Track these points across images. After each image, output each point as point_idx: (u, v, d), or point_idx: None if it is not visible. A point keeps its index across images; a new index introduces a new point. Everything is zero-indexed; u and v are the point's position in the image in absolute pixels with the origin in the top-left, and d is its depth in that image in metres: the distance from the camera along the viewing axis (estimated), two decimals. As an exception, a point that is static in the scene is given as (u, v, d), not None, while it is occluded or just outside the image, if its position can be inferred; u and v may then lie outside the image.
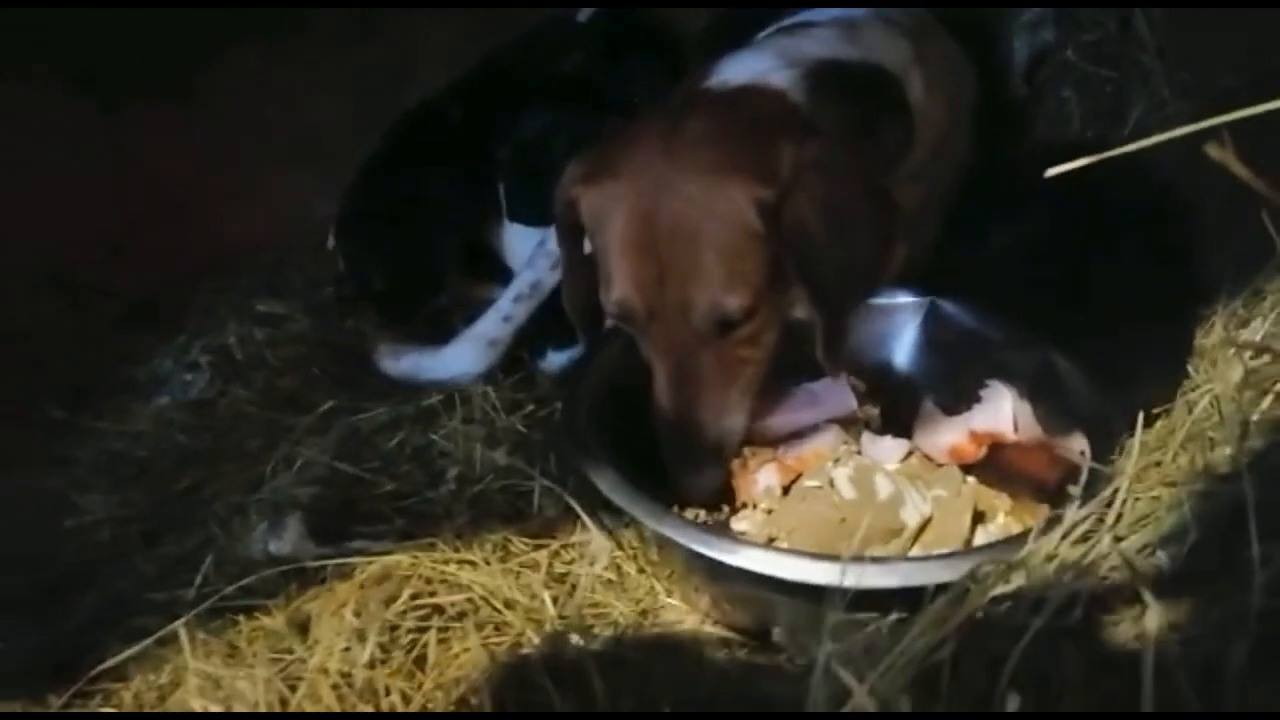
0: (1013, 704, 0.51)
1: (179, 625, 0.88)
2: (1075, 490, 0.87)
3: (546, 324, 1.44)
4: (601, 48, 1.61)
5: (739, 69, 1.11)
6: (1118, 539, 0.69)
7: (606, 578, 1.02)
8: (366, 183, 1.68)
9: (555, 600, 0.96)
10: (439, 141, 1.59)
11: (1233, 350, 0.84)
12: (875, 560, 0.86)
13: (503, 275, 1.61)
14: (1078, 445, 0.99)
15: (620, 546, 1.06)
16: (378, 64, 2.05)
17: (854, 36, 1.15)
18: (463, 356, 1.39)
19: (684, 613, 1.00)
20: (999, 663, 0.56)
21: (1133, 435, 0.88)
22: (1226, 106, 0.96)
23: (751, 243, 0.94)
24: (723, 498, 1.06)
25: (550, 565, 1.01)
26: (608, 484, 0.94)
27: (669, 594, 1.02)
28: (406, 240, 1.56)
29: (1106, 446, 0.93)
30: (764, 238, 0.94)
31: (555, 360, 1.42)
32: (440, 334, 1.52)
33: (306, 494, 1.08)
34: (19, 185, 1.76)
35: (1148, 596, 0.52)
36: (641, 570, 1.04)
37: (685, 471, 1.00)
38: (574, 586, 1.00)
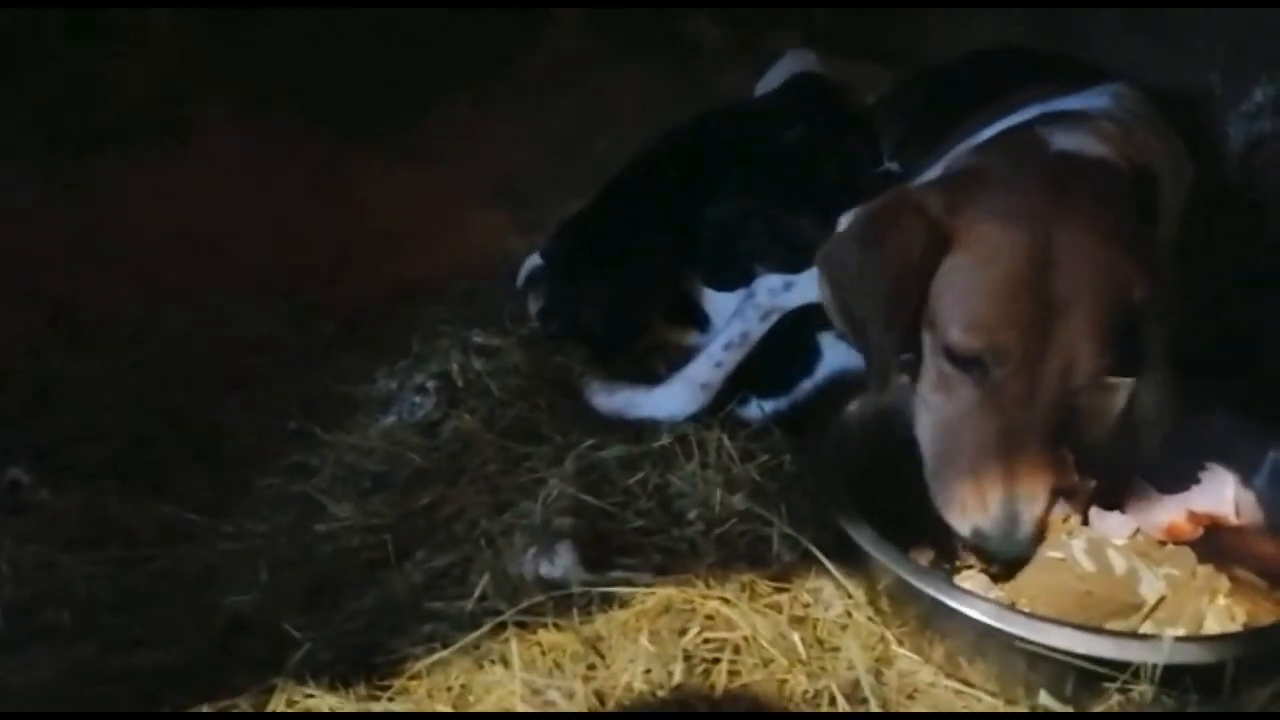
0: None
1: (477, 638, 0.98)
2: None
3: (753, 376, 1.54)
4: (818, 119, 1.71)
5: (1077, 141, 1.16)
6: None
7: (841, 623, 1.10)
8: (580, 227, 1.81)
9: (802, 640, 1.05)
10: (654, 196, 1.71)
11: None
12: (1191, 639, 0.93)
13: (702, 323, 1.73)
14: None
15: (849, 595, 1.14)
16: (574, 113, 2.20)
17: (1128, 136, 1.20)
18: (676, 397, 1.50)
19: (918, 663, 1.07)
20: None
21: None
22: None
23: (1123, 320, 1.00)
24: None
25: (790, 608, 1.10)
26: (864, 536, 1.03)
27: (900, 643, 1.09)
28: (618, 286, 1.68)
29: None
30: (1130, 317, 1.00)
31: (760, 410, 1.51)
32: (644, 374, 1.65)
33: (564, 523, 1.19)
34: (252, 209, 1.96)
35: None
36: (871, 619, 1.12)
37: (1010, 537, 1.02)
38: (814, 627, 1.09)
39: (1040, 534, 1.04)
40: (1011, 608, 0.99)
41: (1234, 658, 0.79)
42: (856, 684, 0.97)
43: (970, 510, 1.04)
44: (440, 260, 2.09)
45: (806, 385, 1.48)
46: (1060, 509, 1.14)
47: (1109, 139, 1.17)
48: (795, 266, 1.55)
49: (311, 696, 1.00)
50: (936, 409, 1.10)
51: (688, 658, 0.94)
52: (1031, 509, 1.02)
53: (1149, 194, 1.18)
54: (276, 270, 1.97)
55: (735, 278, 1.64)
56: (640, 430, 1.43)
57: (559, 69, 2.13)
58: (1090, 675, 0.88)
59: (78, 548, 1.35)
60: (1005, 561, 1.05)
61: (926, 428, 1.12)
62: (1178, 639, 0.87)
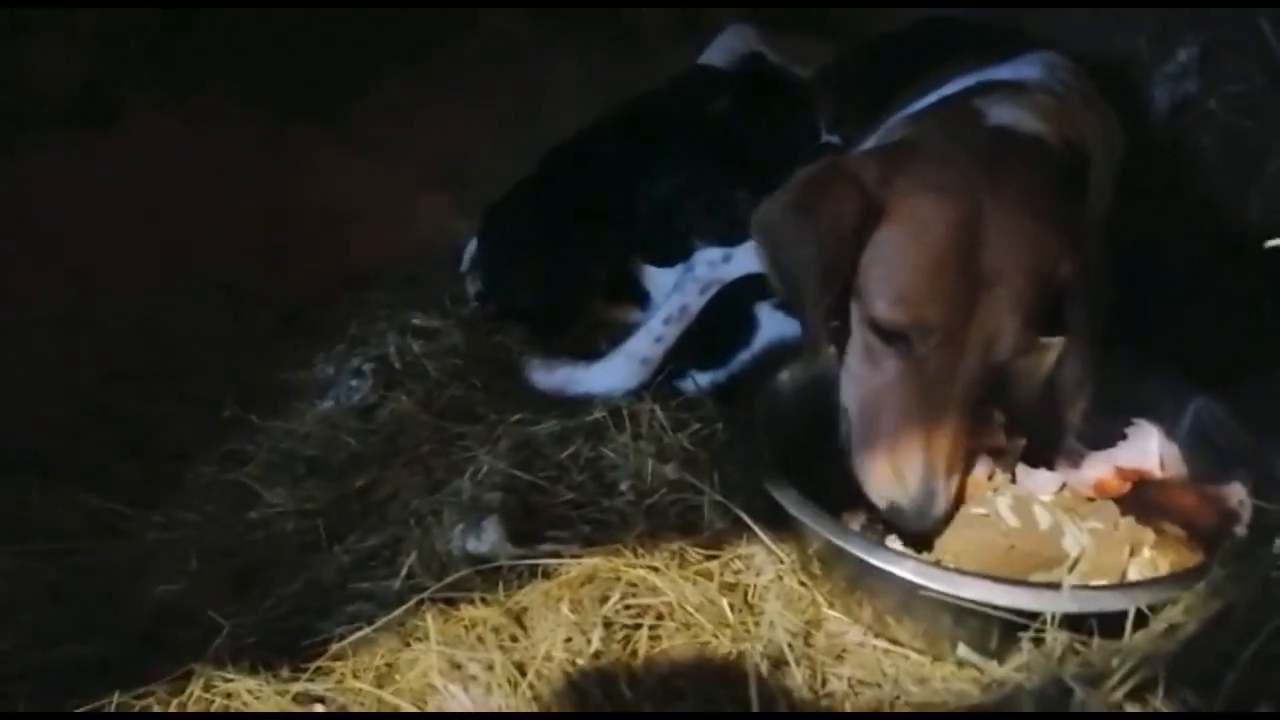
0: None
1: (402, 614, 0.97)
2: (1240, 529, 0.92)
3: (690, 347, 1.53)
4: (747, 93, 1.70)
5: (1013, 116, 1.16)
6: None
7: (772, 589, 1.10)
8: (515, 208, 1.79)
9: (731, 606, 1.04)
10: (591, 175, 1.69)
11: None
12: (1097, 587, 0.93)
13: (643, 298, 1.71)
14: (1235, 493, 1.03)
15: (781, 560, 1.13)
16: (514, 94, 2.18)
17: (1064, 110, 1.20)
18: (615, 373, 1.49)
19: (847, 624, 1.07)
20: (1211, 682, 0.63)
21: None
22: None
23: (1049, 296, 1.01)
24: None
25: (722, 574, 1.10)
26: (791, 500, 1.02)
27: (830, 606, 1.09)
28: (557, 266, 1.66)
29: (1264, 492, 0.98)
30: (1055, 294, 1.01)
31: (698, 381, 1.50)
32: (584, 351, 1.63)
33: (494, 499, 1.17)
34: (186, 194, 1.91)
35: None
36: (802, 583, 1.12)
37: (924, 510, 1.02)
38: (745, 594, 1.08)
39: (955, 507, 1.05)
40: (936, 564, 0.99)
41: (1132, 605, 0.79)
42: (783, 645, 0.97)
43: (887, 484, 1.04)
44: (382, 244, 2.06)
45: (744, 356, 1.48)
46: (985, 466, 1.15)
47: (1044, 113, 1.17)
48: (733, 240, 1.54)
49: (230, 680, 0.98)
50: (861, 380, 1.10)
51: (608, 625, 0.93)
52: (948, 485, 1.02)
53: (1080, 169, 1.18)
54: (212, 256, 1.93)
55: (673, 253, 1.64)
56: (577, 406, 1.41)
57: (497, 50, 2.11)
58: (1008, 627, 0.88)
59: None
60: (918, 533, 1.05)
61: (851, 399, 1.12)
62: (1076, 587, 0.87)
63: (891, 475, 1.03)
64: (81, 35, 1.85)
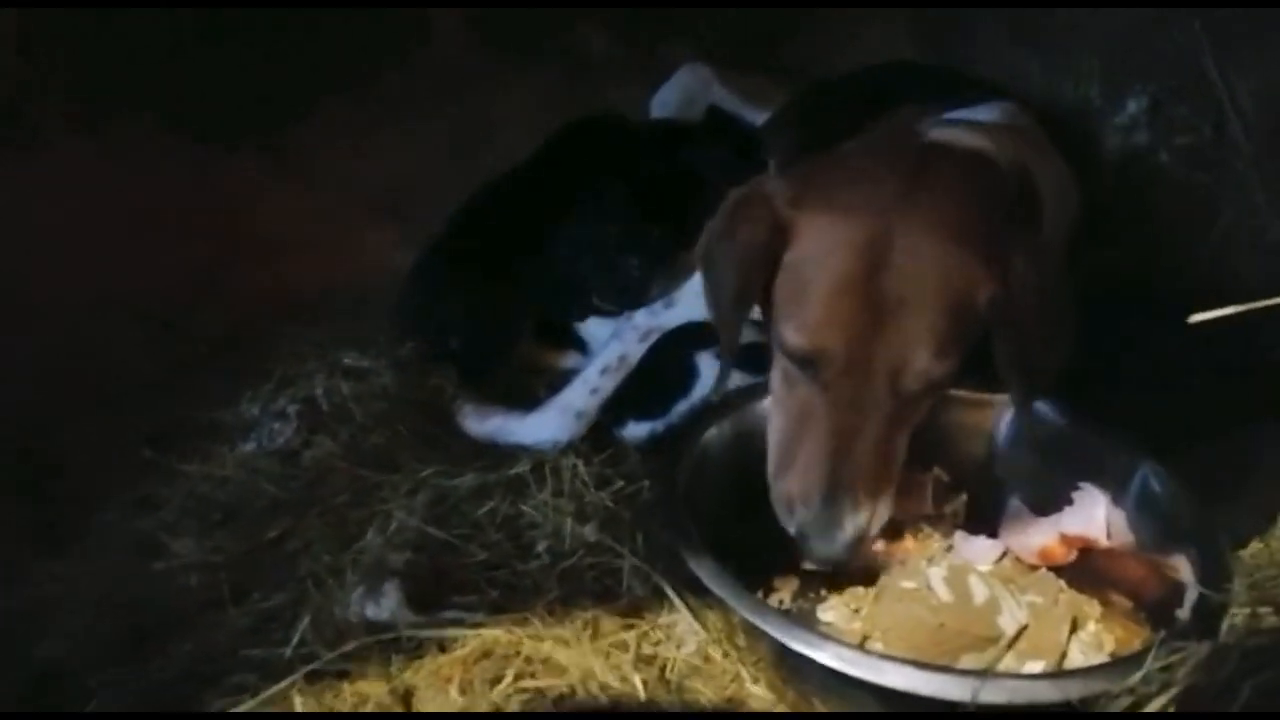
0: None
1: (286, 688, 0.89)
2: (1182, 614, 0.86)
3: (629, 395, 1.47)
4: (696, 138, 1.66)
5: (952, 134, 1.13)
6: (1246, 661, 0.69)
7: (693, 662, 1.03)
8: (447, 242, 1.73)
9: (645, 683, 0.97)
10: (522, 210, 1.64)
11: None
12: (1013, 677, 0.87)
13: (579, 344, 1.65)
14: (1179, 564, 0.98)
15: (706, 629, 1.06)
16: (460, 125, 2.12)
17: (1016, 141, 1.17)
18: (548, 425, 1.42)
19: (771, 703, 1.00)
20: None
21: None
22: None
23: (970, 324, 0.95)
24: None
25: (639, 646, 1.02)
26: (706, 572, 0.95)
27: (755, 681, 1.02)
28: (483, 307, 1.60)
29: (1211, 567, 0.93)
30: (980, 321, 0.95)
31: (636, 431, 1.44)
32: (520, 397, 1.56)
33: (400, 559, 1.10)
34: (112, 221, 1.83)
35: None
36: (726, 655, 1.05)
37: (829, 535, 0.96)
38: (662, 669, 1.01)
39: (863, 538, 0.98)
40: (858, 647, 0.92)
41: (1063, 696, 0.73)
42: (697, 730, 0.89)
43: (794, 507, 0.98)
44: (320, 277, 1.99)
45: (683, 407, 1.42)
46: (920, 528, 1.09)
47: (992, 136, 1.13)
48: (627, 305, 1.49)
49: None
50: (780, 406, 1.05)
51: (498, 710, 0.85)
52: (856, 511, 0.96)
53: (1031, 194, 1.13)
54: (138, 286, 1.84)
55: (579, 310, 1.58)
56: (502, 458, 1.34)
57: (441, 78, 2.05)
58: (934, 713, 0.82)
59: None
60: (832, 564, 0.99)
61: (772, 427, 1.06)
62: (1005, 676, 0.81)
63: (800, 497, 0.98)
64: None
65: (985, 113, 1.33)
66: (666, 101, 2.05)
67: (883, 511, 0.98)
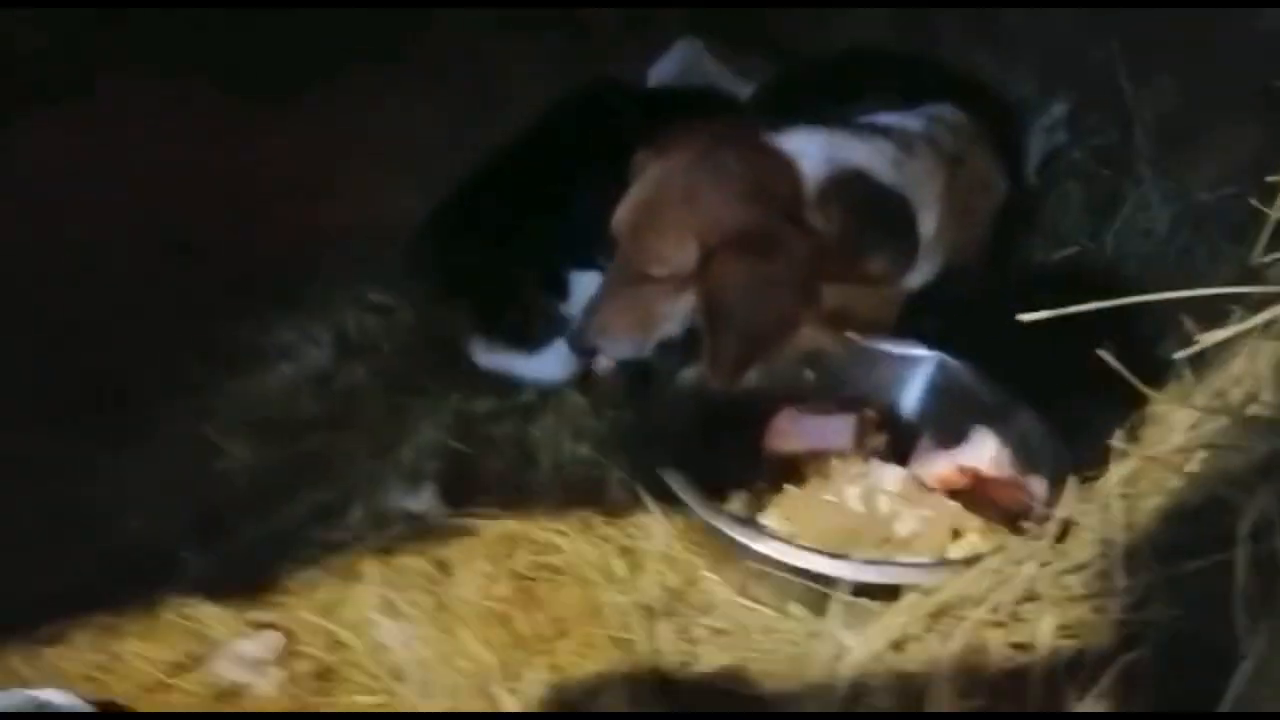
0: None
1: (351, 559, 1.17)
2: (1028, 525, 1.15)
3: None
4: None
5: (793, 141, 1.36)
6: (1043, 564, 0.98)
7: (662, 553, 1.31)
8: (465, 197, 1.96)
9: (623, 567, 1.26)
10: (525, 179, 1.86)
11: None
12: (872, 563, 1.15)
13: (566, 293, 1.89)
14: (1039, 486, 1.27)
15: (673, 528, 1.35)
16: (472, 88, 2.32)
17: (900, 160, 1.38)
18: (551, 363, 1.67)
19: (720, 584, 1.29)
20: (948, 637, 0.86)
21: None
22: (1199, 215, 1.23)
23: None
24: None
25: (620, 539, 1.31)
26: (675, 483, 1.23)
27: (709, 571, 1.31)
28: (495, 259, 1.84)
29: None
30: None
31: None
32: (527, 335, 1.82)
33: (432, 466, 1.37)
34: (153, 163, 2.04)
35: (1046, 604, 0.81)
36: (688, 549, 1.33)
37: None
38: (636, 557, 1.30)
39: None
40: (788, 540, 1.21)
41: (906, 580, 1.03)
42: (661, 599, 1.18)
43: None
44: (343, 221, 2.20)
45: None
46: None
47: (874, 157, 1.36)
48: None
49: (194, 607, 1.17)
50: None
51: (515, 576, 1.14)
52: None
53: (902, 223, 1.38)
54: (179, 223, 2.05)
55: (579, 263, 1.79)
56: (509, 388, 1.61)
57: (457, 46, 2.25)
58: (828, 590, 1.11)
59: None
60: None
61: None
62: (873, 562, 1.11)
63: None
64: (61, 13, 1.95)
65: (914, 119, 1.51)
66: (664, 72, 2.25)
67: None
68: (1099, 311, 1.32)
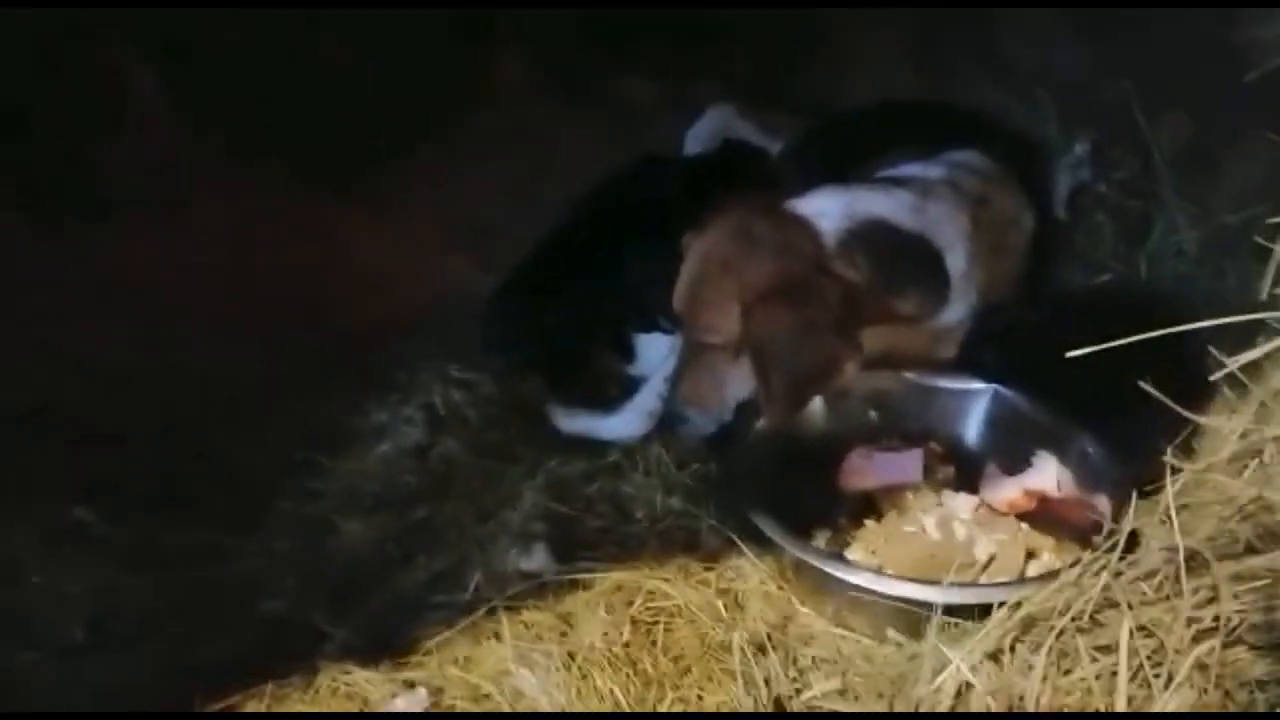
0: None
1: (477, 619, 1.29)
2: (1098, 539, 1.26)
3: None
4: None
5: (813, 203, 1.50)
6: (1116, 574, 1.08)
7: (757, 591, 1.43)
8: (528, 273, 2.11)
9: (724, 607, 1.38)
10: (584, 252, 2.02)
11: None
12: (963, 585, 1.26)
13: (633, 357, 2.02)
14: (1103, 504, 1.37)
15: (765, 568, 1.46)
16: (524, 161, 2.48)
17: (919, 206, 1.51)
18: (628, 423, 1.81)
19: (814, 617, 1.40)
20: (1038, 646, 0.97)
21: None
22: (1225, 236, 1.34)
23: None
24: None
25: (718, 582, 1.42)
26: (764, 525, 1.35)
27: (802, 604, 1.42)
28: (563, 330, 1.98)
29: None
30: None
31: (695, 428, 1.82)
32: (598, 398, 1.95)
33: (539, 526, 1.50)
34: (238, 256, 2.20)
35: (1123, 609, 0.92)
36: (780, 587, 1.45)
37: None
38: (735, 597, 1.41)
39: None
40: (878, 571, 1.32)
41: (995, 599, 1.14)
42: (765, 633, 1.30)
43: None
44: (414, 299, 2.35)
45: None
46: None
47: (894, 207, 1.50)
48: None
49: (349, 673, 1.30)
50: None
51: (634, 622, 1.26)
52: None
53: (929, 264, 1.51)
54: (265, 316, 2.20)
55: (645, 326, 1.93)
56: (595, 449, 1.74)
57: (507, 123, 2.41)
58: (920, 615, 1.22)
59: (133, 569, 1.61)
60: None
61: None
62: (952, 584, 1.22)
63: None
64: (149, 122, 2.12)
65: (938, 167, 1.66)
66: (699, 136, 2.41)
67: None
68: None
